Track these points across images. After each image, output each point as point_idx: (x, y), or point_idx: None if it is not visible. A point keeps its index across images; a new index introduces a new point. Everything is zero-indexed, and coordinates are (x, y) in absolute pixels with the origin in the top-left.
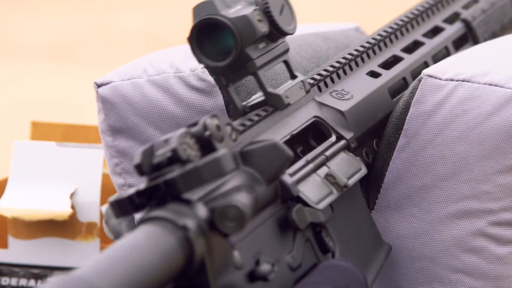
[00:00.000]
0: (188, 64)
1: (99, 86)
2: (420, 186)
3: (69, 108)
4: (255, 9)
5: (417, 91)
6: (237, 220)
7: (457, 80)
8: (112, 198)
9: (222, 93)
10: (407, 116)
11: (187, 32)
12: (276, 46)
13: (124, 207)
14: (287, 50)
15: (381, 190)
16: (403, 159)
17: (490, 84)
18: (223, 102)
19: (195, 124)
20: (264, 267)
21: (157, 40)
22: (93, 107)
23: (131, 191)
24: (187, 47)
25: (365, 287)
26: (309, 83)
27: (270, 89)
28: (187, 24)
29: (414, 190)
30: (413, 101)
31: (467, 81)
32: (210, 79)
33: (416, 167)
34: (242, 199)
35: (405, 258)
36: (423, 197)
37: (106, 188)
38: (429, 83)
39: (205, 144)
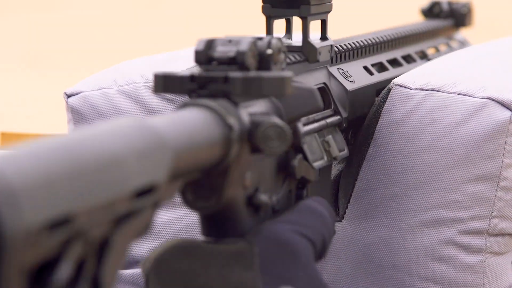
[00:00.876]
0: None
1: (68, 96)
2: (390, 195)
3: (39, 119)
4: None
5: (387, 100)
6: (280, 141)
7: (426, 90)
8: (160, 72)
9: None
10: (377, 125)
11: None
12: (325, 3)
13: (171, 84)
14: (329, 11)
15: (350, 199)
16: (373, 168)
17: (459, 94)
18: None
19: (261, 38)
20: (263, 197)
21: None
22: (63, 117)
23: (185, 72)
24: (157, 57)
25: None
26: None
27: (310, 39)
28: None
29: (384, 199)
30: (382, 110)
31: (437, 91)
32: None
33: (385, 176)
34: (285, 124)
35: (375, 267)
36: (393, 206)
37: None
38: (399, 93)
39: (264, 60)
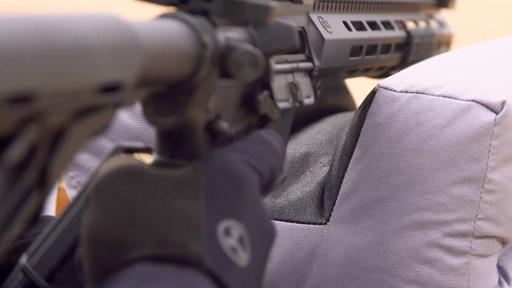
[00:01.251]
0: None
1: None
2: (375, 198)
3: None
4: None
5: (372, 103)
6: (253, 68)
7: (411, 92)
8: None
9: None
10: (362, 128)
11: None
12: None
13: None
14: None
15: (336, 202)
16: (358, 171)
17: (444, 96)
18: None
19: None
20: (223, 125)
21: None
22: None
23: None
24: None
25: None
26: None
27: None
28: None
29: (369, 201)
30: (368, 112)
31: (422, 93)
32: None
33: (371, 179)
34: (259, 52)
35: (360, 270)
36: (378, 209)
37: (62, 203)
38: (384, 95)
39: None
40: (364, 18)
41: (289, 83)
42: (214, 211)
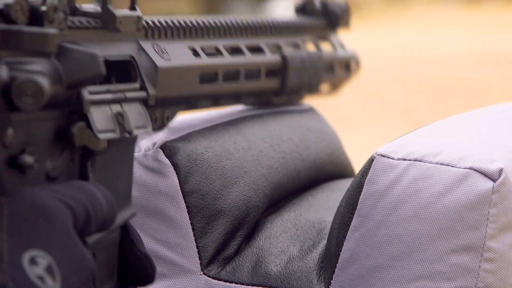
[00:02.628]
0: (141, 145)
1: None
2: (374, 266)
3: None
4: None
5: (370, 171)
6: (34, 98)
7: (409, 160)
8: None
9: (176, 174)
10: (361, 196)
11: None
12: None
13: None
14: None
15: (335, 270)
16: (357, 239)
17: (442, 164)
18: (177, 182)
19: None
20: (27, 158)
21: None
22: None
23: None
24: None
25: (106, 209)
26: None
27: (110, 6)
28: None
29: (369, 270)
30: (366, 180)
31: (419, 161)
32: (164, 159)
33: (370, 247)
34: (44, 82)
35: None
36: (378, 277)
37: None
38: (382, 163)
39: (36, 17)
40: (221, 43)
41: (115, 113)
42: (19, 241)
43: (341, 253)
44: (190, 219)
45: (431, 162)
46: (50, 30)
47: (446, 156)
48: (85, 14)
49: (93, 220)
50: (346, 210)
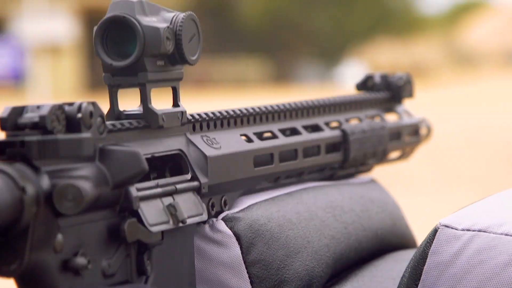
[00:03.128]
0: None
1: None
2: None
3: None
4: (168, 26)
5: (434, 241)
6: (74, 202)
7: (473, 230)
8: None
9: (238, 243)
10: (425, 267)
11: None
12: (172, 70)
13: None
14: (180, 78)
15: None
16: None
17: (506, 234)
18: (240, 253)
19: (72, 104)
20: (80, 260)
21: None
22: None
23: None
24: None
25: None
26: (188, 119)
27: (151, 106)
28: None
29: None
30: (429, 251)
31: (484, 231)
32: (227, 230)
33: None
34: (86, 186)
35: None
36: None
37: None
38: (446, 234)
39: (73, 124)
40: (277, 126)
41: (167, 205)
42: None
43: None
44: None
45: (495, 233)
46: (84, 135)
47: (510, 226)
48: (128, 117)
49: None
50: (410, 281)
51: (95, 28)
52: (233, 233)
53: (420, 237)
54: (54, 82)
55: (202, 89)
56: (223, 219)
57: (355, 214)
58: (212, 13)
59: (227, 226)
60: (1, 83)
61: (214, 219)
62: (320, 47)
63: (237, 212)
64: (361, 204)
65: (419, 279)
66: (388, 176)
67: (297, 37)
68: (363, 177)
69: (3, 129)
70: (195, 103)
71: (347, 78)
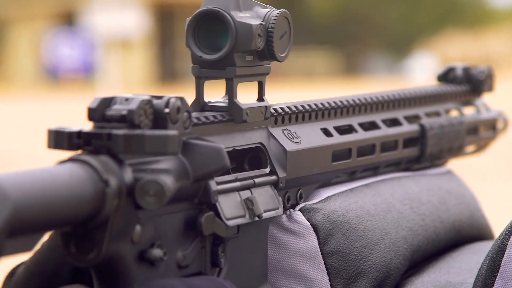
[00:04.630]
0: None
1: None
2: None
3: None
4: (261, 23)
5: None
6: (156, 197)
7: None
8: (53, 127)
9: (315, 234)
10: (503, 258)
11: None
12: (260, 65)
13: (60, 140)
14: (267, 73)
15: None
16: None
17: None
18: (317, 243)
19: (160, 97)
20: (156, 252)
21: None
22: None
23: (74, 128)
24: None
25: None
26: (271, 112)
27: (236, 100)
28: None
29: None
30: (508, 243)
31: None
32: (304, 221)
33: None
34: (167, 181)
35: None
36: None
37: None
38: None
39: (160, 119)
40: (356, 120)
41: (244, 199)
42: None
43: None
44: (329, 280)
45: None
46: (171, 132)
47: None
48: (213, 108)
49: None
50: (488, 272)
51: (187, 19)
52: (311, 224)
53: (496, 230)
54: (125, 75)
55: (272, 81)
56: (300, 209)
57: (433, 206)
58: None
59: (304, 217)
60: (72, 76)
61: (292, 210)
62: (389, 39)
63: (315, 203)
64: (439, 195)
65: (498, 271)
66: (456, 168)
67: (366, 30)
68: (440, 168)
69: (91, 119)
70: (266, 96)
71: (416, 71)
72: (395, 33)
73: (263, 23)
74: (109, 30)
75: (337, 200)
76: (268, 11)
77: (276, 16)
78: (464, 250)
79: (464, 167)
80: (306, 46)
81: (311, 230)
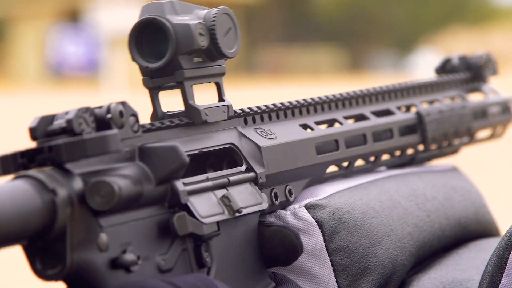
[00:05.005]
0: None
1: None
2: None
3: None
4: (200, 23)
5: None
6: (106, 197)
7: None
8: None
9: (320, 230)
10: (510, 255)
11: None
12: (212, 66)
13: (6, 165)
14: (223, 74)
15: None
16: None
17: None
18: (322, 240)
19: (101, 107)
20: (128, 257)
21: None
22: None
23: (18, 149)
24: None
25: None
26: (237, 113)
27: (191, 102)
28: None
29: None
30: None
31: None
32: (309, 218)
33: None
34: (120, 182)
35: None
36: None
37: None
38: None
39: (103, 125)
40: (341, 114)
41: (221, 197)
42: None
43: None
44: (335, 277)
45: None
46: (110, 132)
47: None
48: (171, 116)
49: None
50: (495, 269)
51: (128, 33)
52: (316, 221)
53: (503, 227)
54: (130, 73)
55: (277, 78)
56: (305, 206)
57: (438, 202)
58: (287, 3)
59: (309, 213)
60: (77, 73)
61: (297, 206)
62: (395, 36)
63: (319, 200)
64: (444, 192)
65: (505, 268)
66: (461, 165)
67: (371, 26)
68: (445, 165)
69: (33, 139)
70: (270, 93)
71: (420, 67)
72: (400, 30)
73: (203, 22)
74: (114, 28)
75: (342, 196)
76: (207, 11)
77: (215, 13)
78: (471, 246)
79: (472, 163)
80: (312, 43)
81: (316, 227)
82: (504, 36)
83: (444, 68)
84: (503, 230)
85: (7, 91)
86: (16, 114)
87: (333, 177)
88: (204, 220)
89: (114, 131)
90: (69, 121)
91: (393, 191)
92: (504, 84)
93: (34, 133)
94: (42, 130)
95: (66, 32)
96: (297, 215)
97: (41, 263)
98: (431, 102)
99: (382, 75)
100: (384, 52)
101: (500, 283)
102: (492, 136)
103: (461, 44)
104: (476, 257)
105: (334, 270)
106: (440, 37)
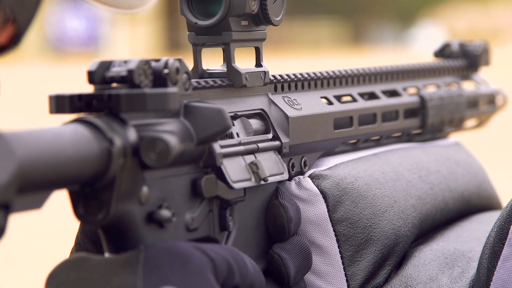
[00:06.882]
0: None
1: None
2: None
3: None
4: None
5: None
6: (161, 155)
7: None
8: (54, 93)
9: (324, 201)
10: (511, 226)
11: None
12: (255, 30)
13: (61, 104)
14: (263, 39)
15: None
16: (508, 269)
17: None
18: (326, 210)
19: (158, 60)
20: (164, 213)
21: None
22: None
23: (75, 92)
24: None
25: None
26: (270, 80)
27: (235, 64)
28: None
29: None
30: None
31: None
32: (313, 188)
33: None
34: (173, 140)
35: None
36: None
37: None
38: None
39: (160, 79)
40: (356, 90)
41: (249, 163)
42: (153, 279)
43: (491, 283)
44: (338, 247)
45: None
46: (171, 89)
47: None
48: (211, 75)
49: (236, 274)
50: (496, 240)
51: None
52: (320, 191)
53: (505, 200)
54: (131, 47)
55: (279, 51)
56: (310, 176)
57: (442, 175)
58: None
59: (313, 183)
60: (77, 49)
61: (301, 177)
62: (396, 9)
63: (324, 170)
64: (447, 165)
65: (506, 238)
66: (464, 139)
67: (372, 0)
68: (449, 140)
69: (91, 82)
70: (272, 65)
71: (419, 40)
72: (401, 3)
73: None
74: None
75: (346, 167)
76: None
77: None
78: (473, 219)
79: (472, 138)
80: (314, 16)
81: (320, 197)
82: (506, 9)
83: (443, 52)
84: (505, 203)
85: (8, 66)
86: (16, 87)
87: (340, 152)
88: (234, 185)
89: (175, 89)
90: (130, 71)
91: (397, 163)
92: (508, 58)
93: (92, 76)
94: (100, 74)
95: (67, 7)
96: (301, 185)
97: (85, 208)
98: (432, 86)
99: (383, 48)
100: (385, 25)
101: (501, 253)
102: (477, 126)
103: (463, 18)
104: (478, 229)
105: (337, 240)
106: (441, 10)
